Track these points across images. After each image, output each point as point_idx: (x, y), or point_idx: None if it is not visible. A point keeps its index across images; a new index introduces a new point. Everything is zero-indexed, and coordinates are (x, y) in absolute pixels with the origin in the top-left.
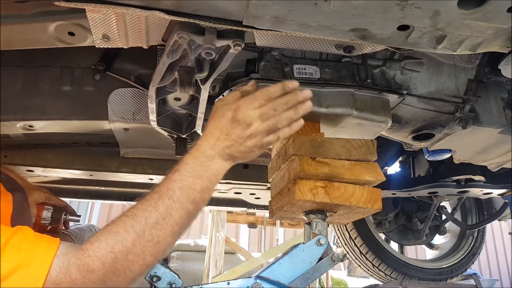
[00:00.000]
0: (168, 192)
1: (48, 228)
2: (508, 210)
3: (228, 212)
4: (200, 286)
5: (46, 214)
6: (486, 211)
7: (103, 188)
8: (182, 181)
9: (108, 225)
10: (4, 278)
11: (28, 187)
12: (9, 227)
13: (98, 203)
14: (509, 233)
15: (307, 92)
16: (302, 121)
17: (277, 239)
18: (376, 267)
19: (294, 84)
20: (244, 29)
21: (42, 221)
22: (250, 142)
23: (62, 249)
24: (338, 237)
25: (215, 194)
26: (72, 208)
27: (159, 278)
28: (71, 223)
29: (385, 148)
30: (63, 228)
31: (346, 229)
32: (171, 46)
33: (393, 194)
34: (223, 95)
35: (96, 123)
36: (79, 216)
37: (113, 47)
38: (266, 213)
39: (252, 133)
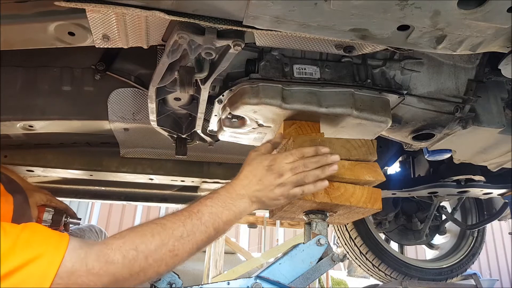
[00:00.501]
0: (197, 214)
1: None
2: (508, 210)
3: None
4: (200, 286)
5: (47, 216)
6: (486, 211)
7: (103, 188)
8: (212, 208)
9: (135, 227)
10: (17, 270)
11: (28, 188)
12: (16, 224)
13: (98, 203)
14: (509, 233)
15: (336, 157)
16: (327, 182)
17: (277, 239)
18: (376, 267)
19: (326, 149)
20: (244, 29)
21: (42, 223)
22: (279, 190)
23: (75, 243)
24: (338, 237)
25: None
26: (72, 210)
27: (159, 278)
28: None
29: (385, 148)
30: (63, 229)
31: (346, 229)
32: (171, 46)
33: (393, 194)
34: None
35: (96, 123)
36: (80, 219)
37: (113, 47)
38: (266, 213)
39: (282, 182)
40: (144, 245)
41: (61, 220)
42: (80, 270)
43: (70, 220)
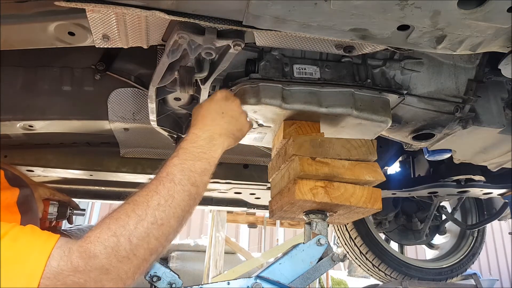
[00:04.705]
0: (168, 176)
1: (48, 227)
2: (508, 210)
3: (228, 212)
4: (200, 286)
5: (52, 209)
6: (486, 211)
7: (103, 188)
8: (182, 165)
9: (109, 214)
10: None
11: (31, 184)
12: (7, 222)
13: (98, 203)
14: (509, 233)
15: None
16: None
17: (277, 239)
18: (376, 267)
19: None
20: (244, 29)
21: (48, 216)
22: (243, 117)
23: (62, 241)
24: (338, 237)
25: (215, 194)
26: (75, 202)
27: (159, 278)
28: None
29: (385, 148)
30: (68, 222)
31: (346, 229)
32: (171, 46)
33: (393, 194)
34: None
35: (96, 123)
36: (84, 210)
37: (113, 47)
38: (266, 213)
39: (244, 111)
40: (122, 228)
41: (66, 212)
42: (66, 269)
43: (74, 212)
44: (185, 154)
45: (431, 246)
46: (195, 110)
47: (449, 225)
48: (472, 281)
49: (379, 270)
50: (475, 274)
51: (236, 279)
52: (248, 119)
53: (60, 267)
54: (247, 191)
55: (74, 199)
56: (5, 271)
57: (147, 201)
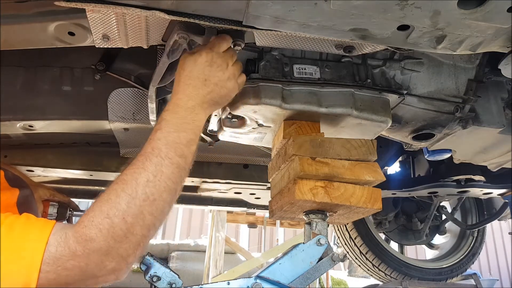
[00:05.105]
0: (154, 151)
1: None
2: (508, 210)
3: (228, 212)
4: (200, 286)
5: (52, 210)
6: (486, 211)
7: (103, 188)
8: (166, 138)
9: (99, 196)
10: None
11: (31, 184)
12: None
13: None
14: (509, 233)
15: None
16: None
17: (277, 239)
18: (376, 267)
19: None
20: (244, 29)
21: (48, 217)
22: (230, 83)
23: (58, 227)
24: (338, 237)
25: (215, 194)
26: (75, 203)
27: (159, 278)
28: (75, 219)
29: (385, 148)
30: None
31: (346, 229)
32: (171, 46)
33: (393, 194)
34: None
35: (96, 123)
36: (83, 211)
37: (113, 47)
38: (266, 213)
39: (231, 74)
40: (114, 209)
41: (66, 213)
42: (64, 254)
43: (74, 213)
44: (168, 126)
45: (431, 246)
46: (177, 73)
47: (449, 225)
48: (472, 281)
49: (379, 270)
50: (475, 274)
51: (236, 279)
52: (238, 81)
53: (58, 253)
54: (247, 191)
55: (74, 199)
56: (4, 260)
57: (136, 179)
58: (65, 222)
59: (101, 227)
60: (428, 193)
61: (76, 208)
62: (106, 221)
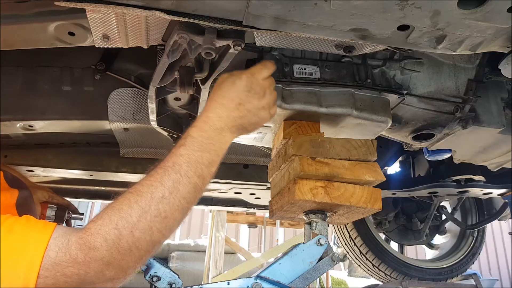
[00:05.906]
0: (174, 167)
1: None
2: (508, 210)
3: (228, 212)
4: (200, 286)
5: (50, 212)
6: (486, 211)
7: (103, 188)
8: (189, 156)
9: (111, 203)
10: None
11: (30, 186)
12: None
13: (98, 203)
14: (509, 233)
15: None
16: None
17: (277, 239)
18: (376, 267)
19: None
20: (244, 29)
21: (46, 219)
22: (264, 113)
23: (59, 231)
24: (338, 237)
25: (215, 194)
26: (74, 206)
27: (159, 278)
28: (73, 221)
29: (385, 148)
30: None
31: (346, 229)
32: (171, 46)
33: (393, 194)
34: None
35: (96, 123)
36: (82, 214)
37: (113, 47)
38: (266, 213)
39: (267, 103)
40: (124, 220)
41: (64, 215)
42: (64, 260)
43: (72, 215)
44: (193, 144)
45: (431, 246)
46: (212, 92)
47: (449, 225)
48: (472, 281)
49: (379, 270)
50: (475, 274)
51: (236, 279)
52: (271, 111)
53: (58, 258)
54: (247, 191)
55: (74, 199)
56: (3, 262)
57: (151, 192)
58: (64, 224)
59: (108, 237)
60: (428, 193)
61: (75, 210)
62: (114, 232)
